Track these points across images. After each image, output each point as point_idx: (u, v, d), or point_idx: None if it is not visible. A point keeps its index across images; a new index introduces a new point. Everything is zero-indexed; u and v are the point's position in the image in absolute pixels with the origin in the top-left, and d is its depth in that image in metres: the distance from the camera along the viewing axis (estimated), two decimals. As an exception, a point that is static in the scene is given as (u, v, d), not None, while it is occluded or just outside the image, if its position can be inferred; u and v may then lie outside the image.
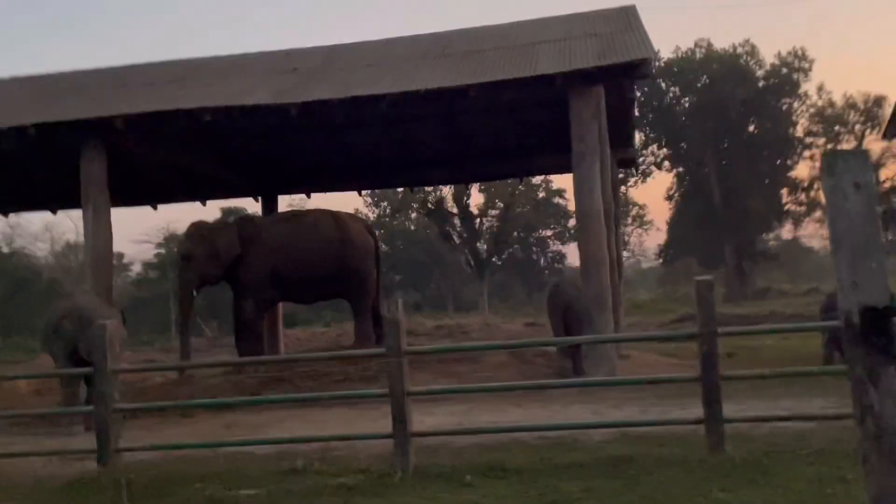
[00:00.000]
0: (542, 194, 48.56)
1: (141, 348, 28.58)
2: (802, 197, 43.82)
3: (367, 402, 8.37)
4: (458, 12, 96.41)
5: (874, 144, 41.74)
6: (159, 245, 43.99)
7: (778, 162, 43.52)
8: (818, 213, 43.41)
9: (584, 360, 10.16)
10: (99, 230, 10.69)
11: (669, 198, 47.04)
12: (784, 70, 42.28)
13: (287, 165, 15.39)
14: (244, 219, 13.75)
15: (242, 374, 11.19)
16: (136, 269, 50.64)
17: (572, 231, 51.99)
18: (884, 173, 41.81)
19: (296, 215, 13.56)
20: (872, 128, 42.06)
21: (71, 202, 11.71)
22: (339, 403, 8.87)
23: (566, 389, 8.62)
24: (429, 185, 24.50)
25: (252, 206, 17.92)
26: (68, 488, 6.00)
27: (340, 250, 12.43)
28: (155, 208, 16.30)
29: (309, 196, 17.89)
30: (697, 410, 6.38)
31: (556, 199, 50.03)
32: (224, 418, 8.82)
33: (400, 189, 34.48)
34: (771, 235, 51.98)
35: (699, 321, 5.43)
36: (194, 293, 12.43)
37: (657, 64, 36.58)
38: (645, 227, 54.90)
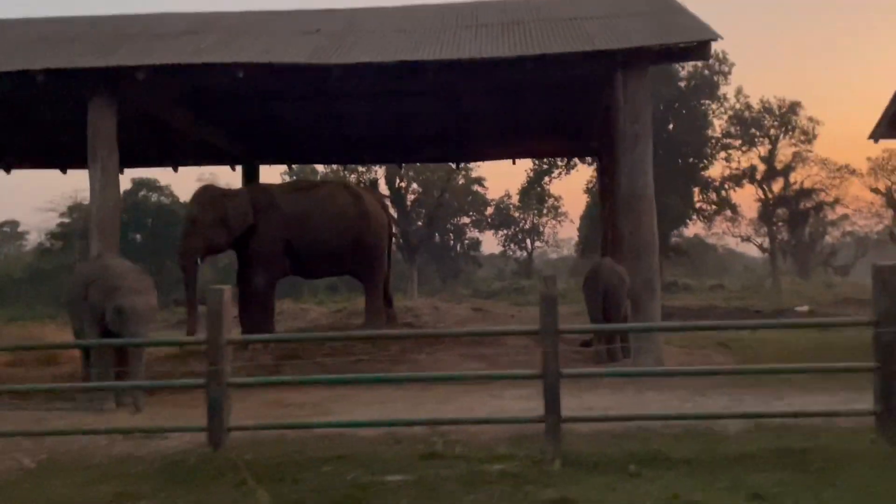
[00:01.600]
0: (461, 181, 48.42)
1: (45, 322, 27.00)
2: (713, 196, 45.15)
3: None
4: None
5: (786, 149, 43.40)
6: (63, 214, 41.70)
7: (691, 161, 44.61)
8: (729, 213, 44.71)
9: (620, 346, 10.00)
10: (107, 190, 9.80)
11: (588, 191, 47.64)
12: (706, 72, 43.38)
13: (275, 134, 14.65)
14: (258, 186, 12.95)
15: (251, 350, 10.53)
16: (34, 238, 48.03)
17: (490, 219, 52.39)
18: (793, 177, 43.59)
19: (312, 186, 12.88)
20: (786, 133, 43.54)
21: (80, 161, 10.74)
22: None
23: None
24: (420, 162, 23.73)
25: (228, 174, 16.99)
26: (175, 469, 5.37)
27: (357, 225, 11.79)
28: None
29: (290, 167, 17.09)
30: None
31: (475, 187, 50.16)
32: (261, 397, 8.15)
33: (324, 167, 33.78)
34: (678, 232, 53.40)
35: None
36: (199, 261, 11.58)
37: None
38: (559, 218, 55.67)
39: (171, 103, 11.93)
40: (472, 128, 14.39)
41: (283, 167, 30.67)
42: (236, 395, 8.18)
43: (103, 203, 9.72)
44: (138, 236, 40.88)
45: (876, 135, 14.73)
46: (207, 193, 11.84)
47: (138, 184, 39.09)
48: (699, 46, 9.13)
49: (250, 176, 15.22)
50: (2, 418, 7.34)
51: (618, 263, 10.62)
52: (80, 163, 11.40)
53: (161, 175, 38.00)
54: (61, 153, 14.57)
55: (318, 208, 11.76)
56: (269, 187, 12.46)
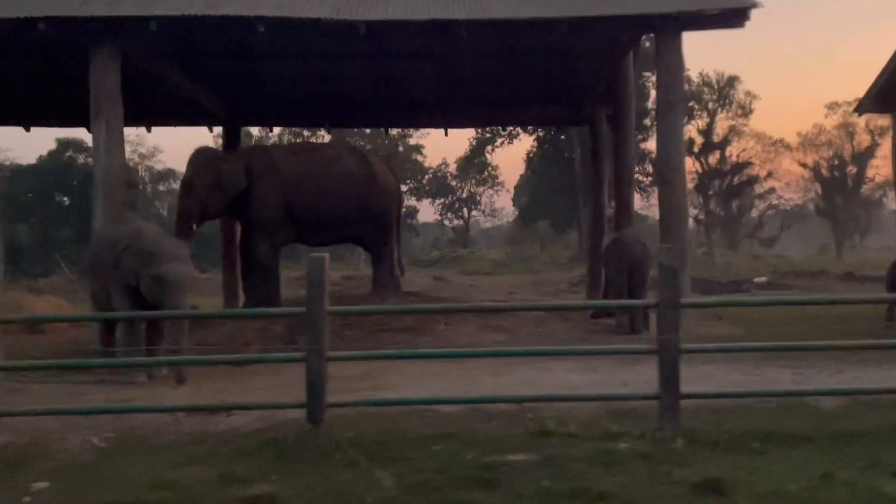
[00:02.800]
0: (401, 149, 47.96)
1: None
2: (650, 168, 45.69)
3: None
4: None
5: (722, 123, 44.16)
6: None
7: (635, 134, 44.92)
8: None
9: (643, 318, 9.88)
10: (112, 148, 9.19)
11: (530, 160, 47.75)
12: (647, 44, 43.48)
13: (259, 93, 14.01)
14: (255, 148, 12.39)
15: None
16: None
17: (427, 187, 52.06)
18: (729, 150, 44.42)
19: (315, 148, 12.33)
20: (723, 106, 44.23)
21: (78, 118, 10.02)
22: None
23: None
24: (413, 128, 22.98)
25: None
26: (276, 448, 5.00)
27: (364, 190, 11.25)
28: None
29: (271, 130, 16.40)
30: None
31: (415, 156, 49.83)
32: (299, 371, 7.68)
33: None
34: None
35: None
36: (194, 226, 10.97)
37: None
38: (496, 188, 55.77)
39: (167, 59, 11.22)
40: (465, 93, 14.02)
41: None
42: (271, 368, 7.81)
43: (109, 164, 9.12)
44: (65, 199, 39.30)
45: (861, 108, 14.95)
46: (202, 156, 11.23)
47: (63, 144, 37.36)
48: (737, 12, 8.99)
49: (233, 138, 14.53)
50: (37, 393, 6.80)
51: (625, 233, 10.55)
52: (76, 120, 10.67)
53: (86, 136, 36.48)
54: (58, 109, 13.72)
55: (320, 171, 11.22)
56: (267, 149, 11.93)
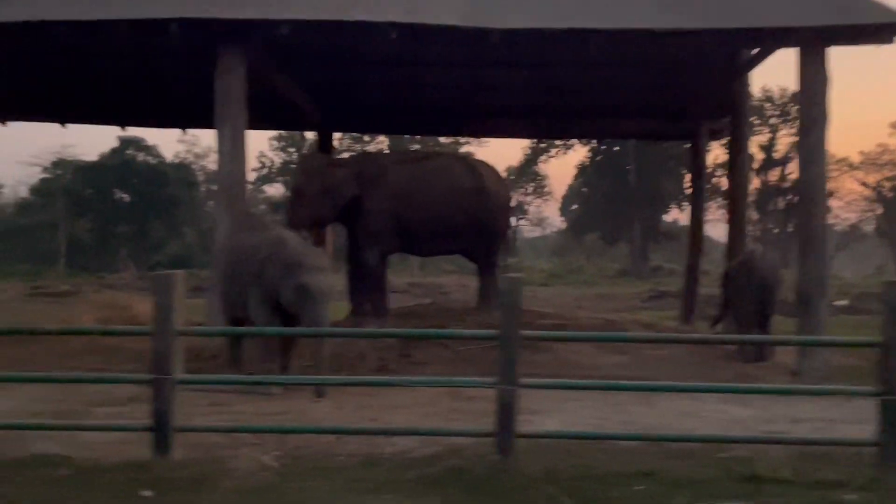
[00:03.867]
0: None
1: (26, 279, 25.82)
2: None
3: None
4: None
5: (784, 139, 43.41)
6: (46, 169, 40.19)
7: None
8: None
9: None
10: (236, 153, 9.01)
11: (583, 172, 47.42)
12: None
13: (354, 100, 13.82)
14: (365, 155, 12.12)
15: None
16: (9, 193, 46.33)
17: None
18: (790, 167, 43.62)
19: (425, 157, 12.08)
20: (785, 122, 43.49)
21: (201, 121, 9.88)
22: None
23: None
24: (501, 137, 22.19)
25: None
26: (465, 479, 4.72)
27: (474, 201, 10.93)
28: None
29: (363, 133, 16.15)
30: None
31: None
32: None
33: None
34: (668, 217, 53.38)
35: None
36: (306, 235, 10.75)
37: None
38: (544, 197, 55.45)
39: (278, 62, 11.02)
40: (564, 102, 13.72)
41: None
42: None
43: (234, 168, 8.96)
44: (126, 196, 39.74)
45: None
46: (312, 162, 11.02)
47: (125, 142, 37.83)
48: (887, 28, 8.59)
49: (325, 143, 14.34)
50: (187, 402, 6.58)
51: (756, 251, 10.16)
52: (199, 122, 10.54)
53: (147, 134, 36.78)
54: (181, 111, 13.71)
55: (430, 181, 10.92)
56: (378, 157, 11.65)
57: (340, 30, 8.72)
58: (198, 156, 44.90)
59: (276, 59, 10.89)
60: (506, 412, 4.87)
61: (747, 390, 6.89)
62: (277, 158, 44.05)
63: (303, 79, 12.35)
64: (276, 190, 44.59)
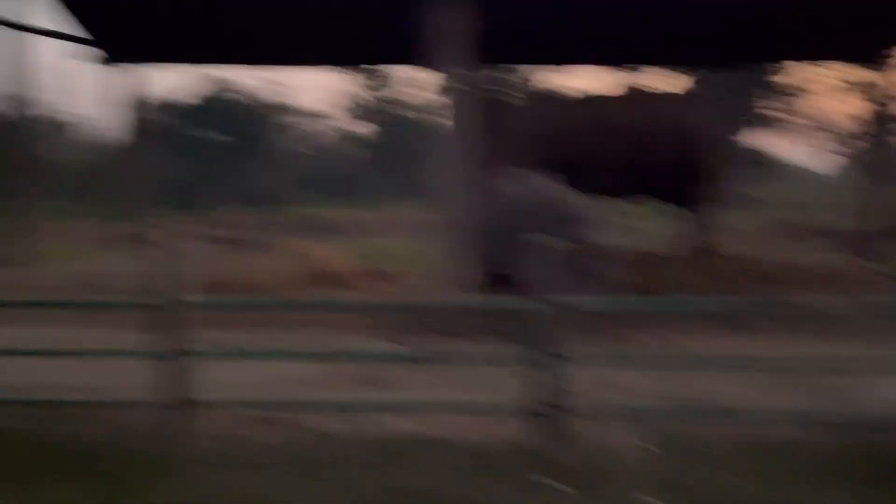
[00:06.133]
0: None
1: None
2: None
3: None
4: None
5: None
6: (149, 111, 40.58)
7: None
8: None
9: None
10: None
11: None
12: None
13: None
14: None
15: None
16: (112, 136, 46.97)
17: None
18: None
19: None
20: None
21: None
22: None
23: None
24: (662, 66, 20.40)
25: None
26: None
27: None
28: None
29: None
30: None
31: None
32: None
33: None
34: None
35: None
36: None
37: None
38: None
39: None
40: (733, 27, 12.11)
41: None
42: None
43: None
44: (220, 136, 40.05)
45: None
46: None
47: (222, 84, 38.03)
48: None
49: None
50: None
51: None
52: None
53: (242, 77, 36.66)
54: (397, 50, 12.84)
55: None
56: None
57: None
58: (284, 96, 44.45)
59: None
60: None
61: None
62: (368, 97, 43.13)
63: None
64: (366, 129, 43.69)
